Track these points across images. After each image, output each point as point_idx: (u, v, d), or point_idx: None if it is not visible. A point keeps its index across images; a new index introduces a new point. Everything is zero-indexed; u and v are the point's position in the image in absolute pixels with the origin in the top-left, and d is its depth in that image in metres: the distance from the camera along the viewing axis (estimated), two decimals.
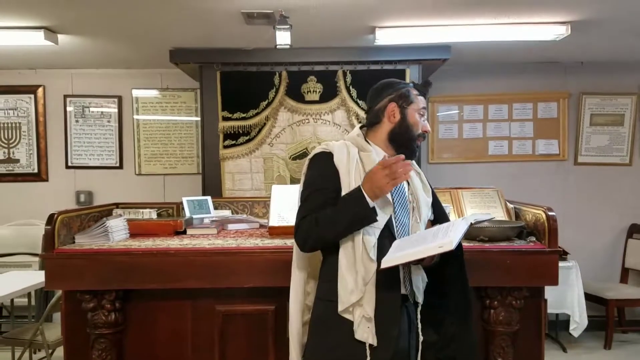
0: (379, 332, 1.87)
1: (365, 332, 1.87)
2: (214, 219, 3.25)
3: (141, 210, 3.10)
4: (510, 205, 3.12)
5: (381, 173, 1.82)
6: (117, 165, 5.43)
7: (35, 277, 4.07)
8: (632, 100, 5.31)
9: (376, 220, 1.87)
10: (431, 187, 2.15)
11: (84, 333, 2.57)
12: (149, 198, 5.04)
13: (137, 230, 2.93)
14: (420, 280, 2.01)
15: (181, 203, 3.32)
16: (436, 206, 2.14)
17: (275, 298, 2.57)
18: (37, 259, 4.99)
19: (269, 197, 4.15)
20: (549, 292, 3.55)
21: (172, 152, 5.43)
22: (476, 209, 3.09)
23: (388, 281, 1.91)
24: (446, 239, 1.75)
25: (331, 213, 1.88)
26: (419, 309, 2.01)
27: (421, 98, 2.07)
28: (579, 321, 4.43)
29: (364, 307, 1.88)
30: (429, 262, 1.92)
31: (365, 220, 1.87)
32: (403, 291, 1.96)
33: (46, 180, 5.37)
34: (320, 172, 1.98)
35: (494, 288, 2.56)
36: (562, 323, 4.78)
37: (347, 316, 1.90)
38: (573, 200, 5.30)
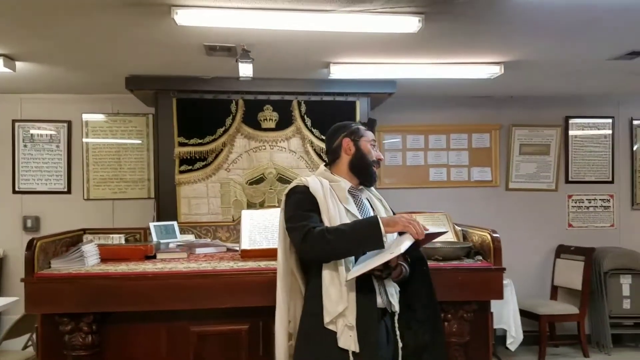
0: (360, 339, 2.07)
1: (348, 340, 2.07)
2: (180, 243, 3.36)
3: (110, 235, 3.17)
4: (458, 228, 3.42)
5: (406, 217, 2.12)
6: (65, 190, 5.37)
7: None
8: (557, 131, 5.82)
9: (383, 246, 2.07)
10: (392, 211, 2.46)
11: (60, 355, 2.62)
12: (97, 223, 4.98)
13: (108, 255, 3.00)
14: (393, 290, 2.25)
15: (148, 228, 3.41)
16: None
17: (248, 318, 2.73)
18: None
19: (232, 222, 4.30)
20: None
21: (122, 177, 5.42)
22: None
23: (365, 292, 2.14)
24: (396, 249, 2.05)
25: (345, 228, 2.09)
26: (396, 317, 2.22)
27: (369, 132, 2.45)
28: (515, 336, 4.71)
29: (347, 316, 2.08)
30: (396, 276, 2.19)
31: (373, 238, 2.05)
32: (380, 304, 2.18)
33: None
34: (302, 198, 2.21)
35: (448, 302, 2.82)
36: (499, 338, 5.07)
37: (332, 327, 2.09)
38: (506, 223, 5.57)
